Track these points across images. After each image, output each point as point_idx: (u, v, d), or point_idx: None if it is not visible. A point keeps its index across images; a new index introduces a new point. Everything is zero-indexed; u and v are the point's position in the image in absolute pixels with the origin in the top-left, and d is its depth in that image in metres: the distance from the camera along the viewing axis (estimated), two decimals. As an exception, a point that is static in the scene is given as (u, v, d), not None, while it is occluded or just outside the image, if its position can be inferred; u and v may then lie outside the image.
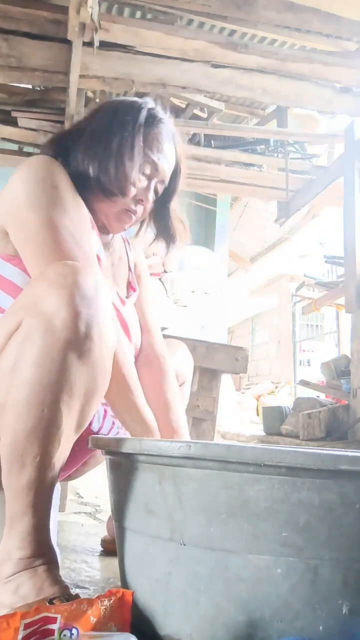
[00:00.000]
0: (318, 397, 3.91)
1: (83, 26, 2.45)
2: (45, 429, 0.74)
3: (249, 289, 10.96)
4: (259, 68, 2.89)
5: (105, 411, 1.10)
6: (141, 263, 1.27)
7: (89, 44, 2.62)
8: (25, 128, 3.40)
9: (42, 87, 3.44)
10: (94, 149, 1.01)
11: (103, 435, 1.09)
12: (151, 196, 1.08)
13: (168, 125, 1.08)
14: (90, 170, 1.01)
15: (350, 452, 0.60)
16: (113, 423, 1.12)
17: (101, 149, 1.01)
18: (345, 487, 0.61)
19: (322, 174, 4.04)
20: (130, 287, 1.20)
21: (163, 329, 5.00)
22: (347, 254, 3.37)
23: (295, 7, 2.63)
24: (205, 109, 3.82)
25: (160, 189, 1.10)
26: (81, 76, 2.87)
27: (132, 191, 1.03)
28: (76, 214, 0.95)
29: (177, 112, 3.87)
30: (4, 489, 0.77)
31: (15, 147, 3.79)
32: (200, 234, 6.19)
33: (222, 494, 0.64)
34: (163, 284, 4.91)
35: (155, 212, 1.15)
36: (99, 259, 1.03)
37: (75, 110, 3.07)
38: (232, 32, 3.27)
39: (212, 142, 4.20)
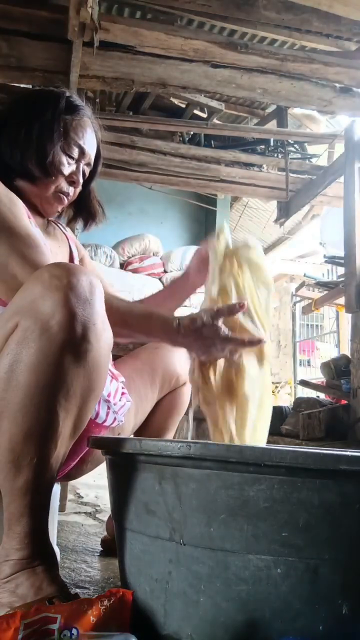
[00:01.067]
0: (318, 397, 3.90)
1: (83, 26, 2.44)
2: (42, 432, 0.74)
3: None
4: (259, 68, 2.88)
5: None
6: (78, 242, 1.31)
7: (89, 44, 2.61)
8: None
9: (42, 87, 3.43)
10: (16, 139, 1.05)
11: (103, 436, 1.09)
12: (81, 178, 1.13)
13: (87, 112, 1.13)
14: (16, 159, 1.05)
15: (350, 452, 0.60)
16: (108, 408, 1.11)
17: (23, 137, 1.05)
18: (345, 487, 0.61)
19: (322, 174, 4.04)
20: None
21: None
22: (347, 254, 3.37)
23: (295, 7, 2.62)
24: (205, 109, 3.81)
25: (87, 171, 1.15)
26: (81, 76, 2.87)
27: (57, 173, 1.07)
28: (6, 193, 0.97)
29: (175, 111, 3.87)
30: (1, 491, 0.77)
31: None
32: (200, 234, 6.18)
33: (222, 494, 0.64)
34: (163, 284, 4.91)
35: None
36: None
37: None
38: (232, 32, 3.26)
39: (212, 142, 4.20)
